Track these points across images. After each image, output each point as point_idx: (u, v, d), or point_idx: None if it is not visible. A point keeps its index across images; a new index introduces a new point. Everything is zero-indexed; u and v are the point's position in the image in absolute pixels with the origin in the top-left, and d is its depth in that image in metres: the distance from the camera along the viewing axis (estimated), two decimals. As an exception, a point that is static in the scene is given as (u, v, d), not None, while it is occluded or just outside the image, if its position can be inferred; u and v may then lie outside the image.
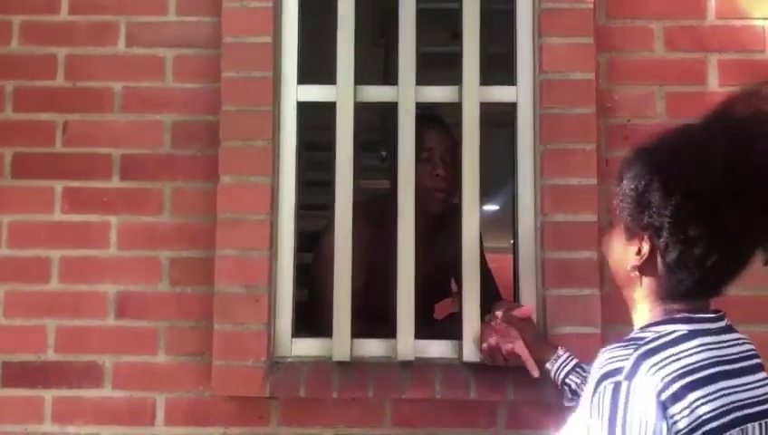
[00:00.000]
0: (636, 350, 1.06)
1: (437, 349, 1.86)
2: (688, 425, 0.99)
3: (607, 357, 1.07)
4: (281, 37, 1.92)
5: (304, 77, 1.94)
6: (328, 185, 1.94)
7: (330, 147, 1.88)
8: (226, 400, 1.82)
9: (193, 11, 1.94)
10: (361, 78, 1.90)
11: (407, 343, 1.81)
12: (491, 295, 2.07)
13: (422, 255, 1.85)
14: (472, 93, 1.86)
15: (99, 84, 1.93)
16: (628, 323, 1.74)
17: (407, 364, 1.81)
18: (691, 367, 1.04)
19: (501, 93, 1.92)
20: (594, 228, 1.78)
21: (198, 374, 1.84)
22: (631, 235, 1.16)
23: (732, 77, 1.88)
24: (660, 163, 1.12)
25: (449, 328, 1.94)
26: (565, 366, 1.58)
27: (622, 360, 1.05)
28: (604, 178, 1.82)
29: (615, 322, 1.78)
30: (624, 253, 1.19)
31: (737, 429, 1.03)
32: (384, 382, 1.78)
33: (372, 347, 1.86)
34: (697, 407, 1.01)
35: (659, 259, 1.12)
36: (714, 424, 1.01)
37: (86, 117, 1.92)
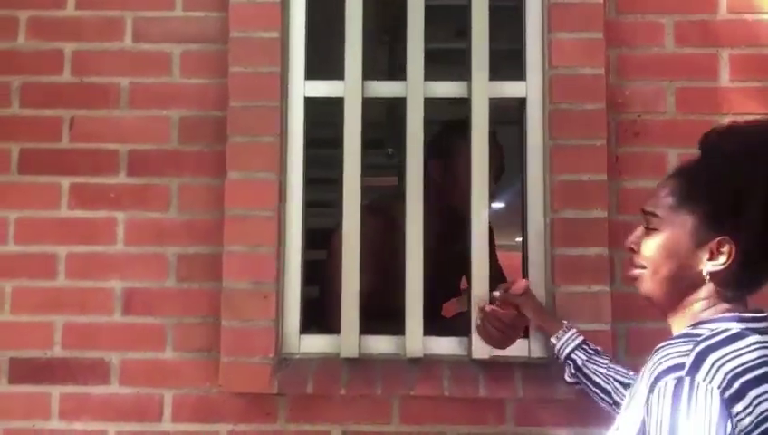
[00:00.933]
0: (696, 346, 1.04)
1: (446, 346, 1.85)
2: (752, 422, 0.98)
3: (665, 353, 1.05)
4: (288, 32, 1.91)
5: (312, 72, 1.93)
6: (335, 182, 1.93)
7: (337, 144, 1.87)
8: (234, 396, 1.81)
9: (200, 6, 1.94)
10: (367, 75, 1.89)
11: (415, 340, 1.80)
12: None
13: (432, 252, 1.84)
14: (481, 88, 1.85)
15: (105, 80, 1.92)
16: (639, 319, 1.77)
17: (415, 361, 1.81)
18: (750, 364, 1.02)
19: (510, 89, 1.90)
20: (604, 224, 1.77)
21: (206, 371, 1.83)
22: (704, 238, 1.12)
23: (744, 72, 1.86)
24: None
25: (458, 327, 1.92)
26: (571, 342, 1.57)
27: (682, 356, 1.03)
28: (614, 174, 1.81)
29: (625, 318, 1.78)
30: (688, 257, 1.14)
31: None
32: (392, 379, 1.77)
33: (381, 344, 1.85)
34: (758, 404, 0.99)
35: (735, 262, 1.09)
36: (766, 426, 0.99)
37: (93, 112, 1.92)
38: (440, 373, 1.77)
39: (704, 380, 0.98)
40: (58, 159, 1.91)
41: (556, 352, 1.59)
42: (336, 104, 1.88)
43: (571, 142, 1.80)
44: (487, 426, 1.79)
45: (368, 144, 1.90)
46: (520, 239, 1.99)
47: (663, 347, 1.08)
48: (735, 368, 1.01)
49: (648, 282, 1.20)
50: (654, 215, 1.18)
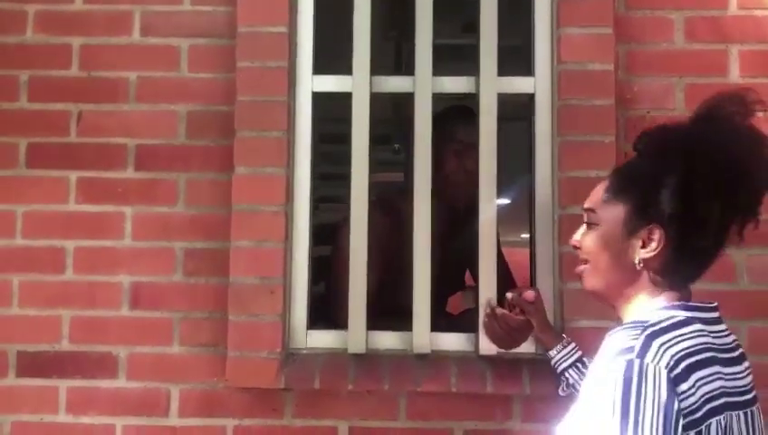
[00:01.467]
0: (644, 331, 1.09)
1: (453, 342, 1.85)
2: (694, 403, 1.03)
3: (615, 338, 1.11)
4: (296, 27, 1.91)
5: (320, 67, 1.92)
6: (343, 178, 1.92)
7: (344, 139, 1.87)
8: (241, 391, 1.82)
9: (208, 0, 1.93)
10: (375, 70, 1.88)
11: (423, 336, 1.80)
12: (509, 288, 2.04)
13: (438, 246, 1.84)
14: (490, 84, 1.84)
15: (113, 74, 1.92)
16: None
17: (422, 357, 1.80)
18: (694, 349, 1.07)
19: (519, 84, 1.90)
20: (613, 221, 1.76)
21: (213, 365, 1.83)
22: (634, 227, 1.18)
23: (754, 68, 1.85)
24: (686, 151, 1.14)
25: (464, 324, 1.92)
26: (568, 359, 1.61)
27: (632, 339, 1.07)
28: (623, 171, 1.80)
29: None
30: (622, 247, 1.19)
31: (726, 413, 1.07)
32: (399, 375, 1.77)
33: (388, 339, 1.85)
34: (700, 386, 1.04)
35: (666, 249, 1.15)
36: (713, 404, 1.05)
37: (100, 107, 1.92)
38: (447, 369, 1.77)
39: (652, 361, 1.03)
40: (66, 153, 1.91)
41: (552, 365, 1.63)
42: (344, 99, 1.88)
43: (580, 138, 1.80)
44: (494, 422, 1.78)
45: (375, 140, 1.90)
46: (526, 235, 1.98)
47: (613, 333, 1.13)
48: (680, 351, 1.05)
49: (591, 276, 1.26)
50: (591, 211, 1.26)
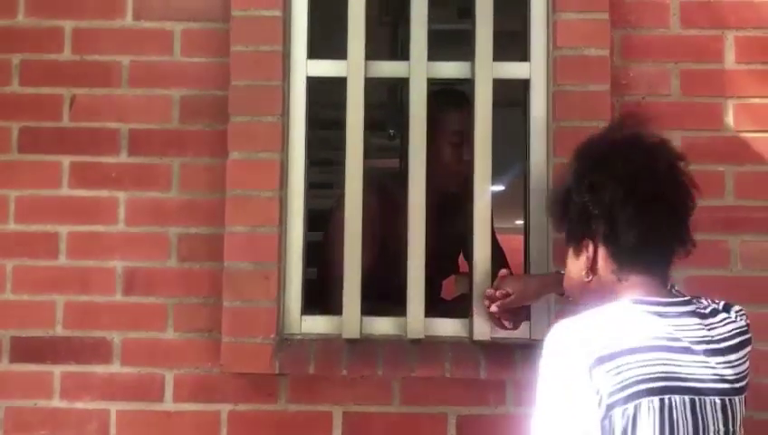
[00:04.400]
0: (581, 317, 1.18)
1: (447, 327, 1.85)
2: (618, 383, 1.08)
3: (553, 327, 1.19)
4: (291, 10, 1.90)
5: (314, 52, 1.91)
6: (337, 164, 1.92)
7: (339, 124, 1.86)
8: (235, 376, 1.82)
9: (201, -16, 1.92)
10: (370, 54, 1.87)
11: (417, 321, 1.80)
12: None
13: (432, 230, 1.84)
14: (485, 69, 1.83)
15: (106, 58, 1.91)
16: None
17: (416, 342, 1.81)
18: (624, 337, 1.13)
19: (514, 70, 1.89)
20: (607, 207, 1.76)
21: (207, 351, 1.83)
22: (578, 247, 1.29)
23: (749, 54, 1.85)
24: (589, 168, 1.28)
25: (458, 309, 1.93)
26: None
27: (563, 328, 1.16)
28: (618, 157, 1.80)
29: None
30: (577, 267, 1.30)
31: (667, 396, 1.10)
32: (393, 360, 1.77)
33: (382, 325, 1.85)
34: (625, 370, 1.09)
35: (601, 255, 1.25)
36: (647, 386, 1.09)
37: (93, 91, 1.90)
38: (441, 355, 1.77)
39: (570, 347, 1.12)
40: (58, 137, 1.89)
41: None
42: (339, 84, 1.87)
43: (575, 124, 1.79)
44: (488, 407, 1.79)
45: (370, 125, 1.89)
46: (521, 222, 1.99)
47: (556, 323, 1.20)
48: (610, 336, 1.13)
49: (578, 300, 1.37)
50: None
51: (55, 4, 1.92)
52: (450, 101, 2.09)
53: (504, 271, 1.71)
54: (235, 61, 1.83)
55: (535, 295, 1.68)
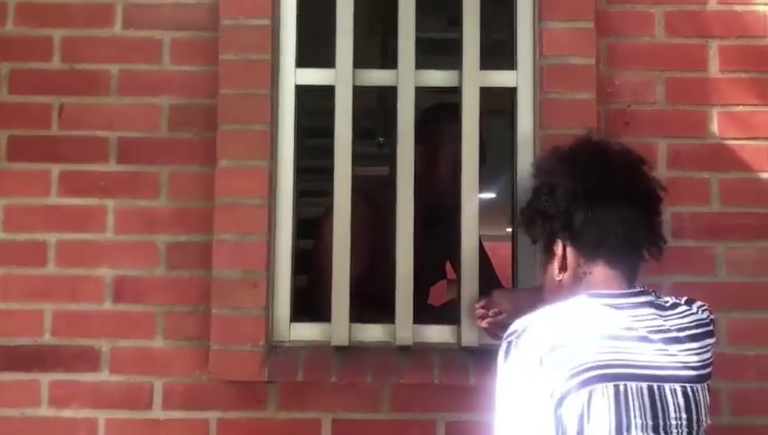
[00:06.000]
0: (532, 315, 1.21)
1: (436, 334, 1.86)
2: (569, 371, 1.11)
3: (512, 324, 1.23)
4: (279, 19, 1.91)
5: (303, 60, 1.92)
6: (325, 171, 1.92)
7: (327, 133, 1.87)
8: (224, 384, 1.81)
9: (190, -8, 1.92)
10: (359, 63, 1.89)
11: (405, 328, 1.81)
12: (492, 283, 2.05)
13: (420, 237, 1.85)
14: (472, 77, 1.85)
15: (95, 67, 1.91)
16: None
17: (405, 349, 1.81)
18: (580, 327, 1.17)
19: (501, 78, 1.91)
20: (594, 214, 1.77)
21: (196, 359, 1.83)
22: (549, 251, 1.34)
23: (733, 63, 1.87)
24: (546, 172, 1.37)
25: (447, 315, 1.93)
26: None
27: (519, 322, 1.21)
28: (604, 164, 1.81)
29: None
30: (552, 269, 1.34)
31: (621, 383, 1.12)
32: (382, 367, 1.77)
33: (371, 332, 1.86)
34: (577, 357, 1.12)
35: (570, 253, 1.30)
36: (601, 372, 1.11)
37: (82, 100, 1.90)
38: (430, 361, 1.78)
39: (525, 339, 1.16)
40: (47, 146, 1.89)
41: None
42: (327, 92, 1.88)
43: (562, 132, 1.80)
44: (477, 413, 1.79)
45: (359, 133, 1.90)
46: (509, 230, 2.00)
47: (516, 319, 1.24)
48: (563, 327, 1.16)
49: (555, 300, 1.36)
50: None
51: (45, 13, 1.92)
52: (457, 117, 2.09)
53: (496, 291, 1.72)
54: (223, 69, 1.84)
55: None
